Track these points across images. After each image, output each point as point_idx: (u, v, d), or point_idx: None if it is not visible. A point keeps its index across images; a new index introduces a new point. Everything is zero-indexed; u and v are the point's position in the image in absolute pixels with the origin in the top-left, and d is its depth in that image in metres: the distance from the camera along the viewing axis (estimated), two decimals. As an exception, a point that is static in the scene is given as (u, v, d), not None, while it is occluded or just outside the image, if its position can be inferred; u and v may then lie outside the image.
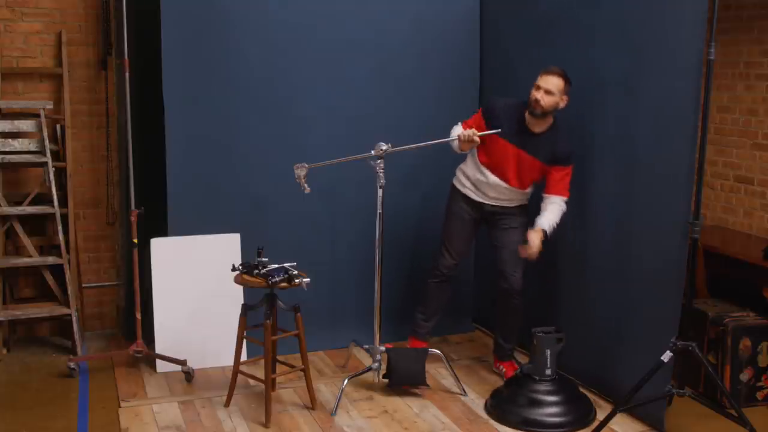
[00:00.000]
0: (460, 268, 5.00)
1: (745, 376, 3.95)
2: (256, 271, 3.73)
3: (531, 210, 4.14)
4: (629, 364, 3.77)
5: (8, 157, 4.41)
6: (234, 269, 3.81)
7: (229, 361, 3.95)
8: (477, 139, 3.86)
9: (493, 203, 4.14)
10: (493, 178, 4.04)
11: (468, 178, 4.15)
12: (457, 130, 4.02)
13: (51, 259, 4.56)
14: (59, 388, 4.15)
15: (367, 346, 4.18)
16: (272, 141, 4.44)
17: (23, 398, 4.01)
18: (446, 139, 4.07)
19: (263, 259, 3.78)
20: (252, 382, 4.11)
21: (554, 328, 3.84)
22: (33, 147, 4.49)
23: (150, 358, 4.34)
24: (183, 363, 4.23)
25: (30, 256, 4.56)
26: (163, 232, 4.31)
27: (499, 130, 3.89)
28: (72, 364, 4.27)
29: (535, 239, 3.83)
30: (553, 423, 3.69)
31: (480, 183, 4.11)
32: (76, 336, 4.52)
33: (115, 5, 4.58)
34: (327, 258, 4.64)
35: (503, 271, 4.13)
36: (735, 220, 4.82)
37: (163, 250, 4.31)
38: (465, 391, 4.11)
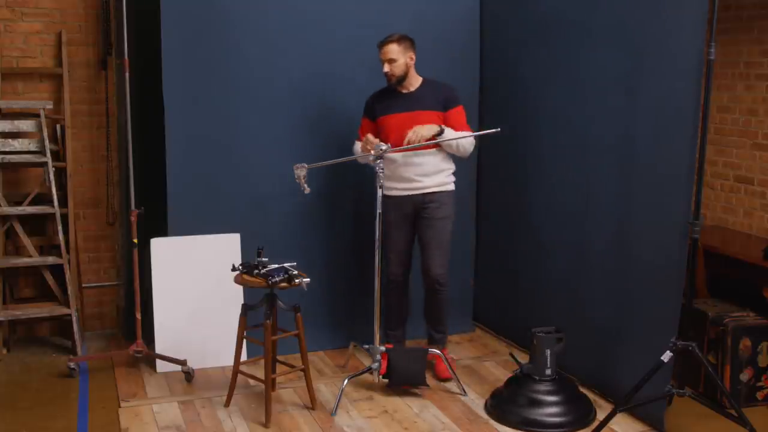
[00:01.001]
0: (461, 268, 5.03)
1: (745, 376, 3.95)
2: (256, 271, 3.73)
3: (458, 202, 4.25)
4: (629, 364, 3.77)
5: (8, 157, 4.41)
6: (234, 269, 3.81)
7: (229, 361, 3.95)
8: (372, 139, 3.96)
9: (420, 187, 4.11)
10: (398, 156, 4.04)
11: (388, 178, 4.10)
12: (359, 146, 4.16)
13: (51, 259, 4.56)
14: (59, 388, 4.15)
15: (367, 346, 4.18)
16: (272, 141, 4.44)
17: (23, 398, 4.01)
18: (446, 139, 4.06)
19: (263, 259, 3.78)
20: (252, 382, 4.11)
21: (554, 328, 3.84)
22: (33, 147, 4.49)
23: (150, 358, 4.34)
24: (183, 363, 4.23)
25: (30, 256, 4.56)
26: (163, 232, 4.31)
27: (498, 129, 3.91)
28: (72, 364, 4.27)
29: (425, 126, 3.92)
30: (553, 423, 3.69)
31: (399, 170, 4.09)
32: (76, 336, 4.52)
33: (115, 5, 4.58)
34: (327, 258, 4.64)
35: (430, 267, 4.15)
36: (735, 220, 4.82)
37: (163, 250, 4.31)
38: (465, 391, 4.11)
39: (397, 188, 4.16)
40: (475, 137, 4.15)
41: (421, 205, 4.15)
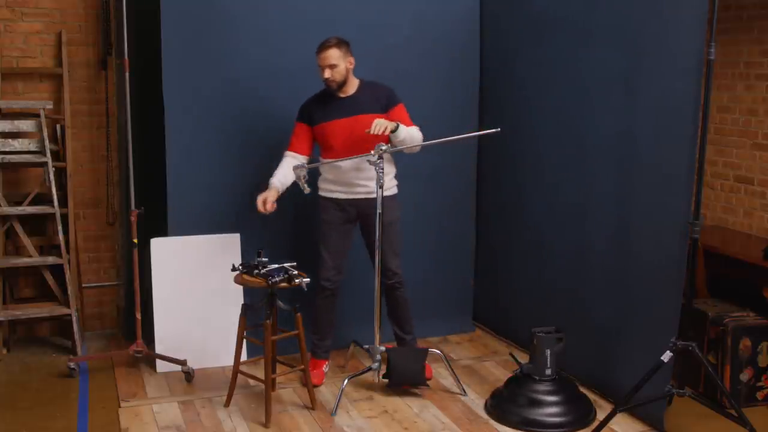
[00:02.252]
0: (461, 268, 5.03)
1: (745, 376, 3.95)
2: (256, 271, 3.73)
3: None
4: (629, 364, 3.77)
5: (8, 157, 4.41)
6: (234, 269, 3.82)
7: (229, 361, 3.95)
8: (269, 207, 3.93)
9: (365, 192, 4.06)
10: (346, 163, 4.00)
11: (332, 181, 4.08)
12: (279, 172, 4.04)
13: (51, 259, 4.56)
14: (59, 388, 4.15)
15: (367, 346, 4.18)
16: (272, 141, 4.44)
17: (23, 398, 4.01)
18: (447, 139, 4.06)
19: (263, 259, 3.78)
20: (252, 382, 4.11)
21: (554, 328, 3.84)
22: (33, 147, 4.49)
23: (150, 358, 4.34)
24: (183, 363, 4.23)
25: (30, 256, 4.56)
26: (163, 232, 4.31)
27: (498, 129, 3.91)
28: (72, 364, 4.27)
29: (383, 120, 3.85)
30: (553, 423, 3.69)
31: (343, 176, 4.05)
32: (76, 336, 4.52)
33: (115, 5, 4.58)
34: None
35: (386, 268, 4.09)
36: (735, 220, 4.82)
37: (163, 250, 4.31)
38: (465, 391, 4.11)
39: (340, 191, 4.10)
40: (475, 137, 4.16)
41: (366, 210, 4.08)
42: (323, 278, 4.13)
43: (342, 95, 4.03)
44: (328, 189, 4.11)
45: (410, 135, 3.96)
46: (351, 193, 4.10)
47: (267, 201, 3.93)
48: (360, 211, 4.13)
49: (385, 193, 3.99)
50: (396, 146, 3.94)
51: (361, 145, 3.95)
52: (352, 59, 3.99)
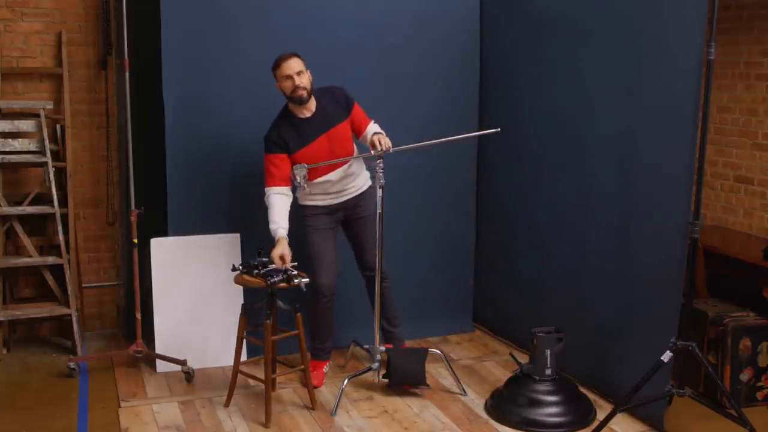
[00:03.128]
0: (461, 268, 5.03)
1: (745, 376, 3.95)
2: (256, 271, 3.73)
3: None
4: (629, 364, 3.77)
5: (8, 157, 4.41)
6: (234, 269, 3.82)
7: (229, 361, 3.95)
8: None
9: (352, 191, 4.09)
10: (335, 175, 3.99)
11: (316, 194, 4.04)
12: (276, 214, 3.85)
13: (51, 259, 4.56)
14: (59, 388, 4.15)
15: (367, 346, 4.18)
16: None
17: (23, 398, 4.01)
18: (447, 139, 4.07)
19: (263, 259, 3.78)
20: (252, 382, 4.11)
21: (554, 328, 3.84)
22: (33, 147, 4.49)
23: (150, 358, 4.34)
24: (183, 363, 4.23)
25: (30, 256, 4.56)
26: (163, 232, 4.31)
27: (498, 129, 3.91)
28: (72, 364, 4.27)
29: (379, 137, 3.84)
30: (553, 423, 3.69)
31: (332, 188, 4.03)
32: (76, 336, 4.52)
33: (115, 5, 4.58)
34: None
35: (368, 261, 4.10)
36: (735, 220, 4.82)
37: (163, 250, 4.31)
38: (465, 391, 4.11)
39: (329, 198, 4.08)
40: (475, 137, 4.16)
41: (353, 207, 4.11)
42: (319, 286, 4.03)
43: (307, 115, 3.92)
44: (311, 199, 4.07)
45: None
46: (341, 196, 4.10)
47: (285, 257, 3.73)
48: (347, 209, 4.14)
49: (366, 186, 4.07)
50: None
51: (340, 154, 3.97)
52: (309, 73, 3.89)
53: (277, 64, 3.84)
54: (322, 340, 4.24)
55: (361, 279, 4.29)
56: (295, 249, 4.36)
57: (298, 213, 4.19)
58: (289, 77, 3.81)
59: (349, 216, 4.15)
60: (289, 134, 3.89)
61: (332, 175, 3.99)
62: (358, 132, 4.05)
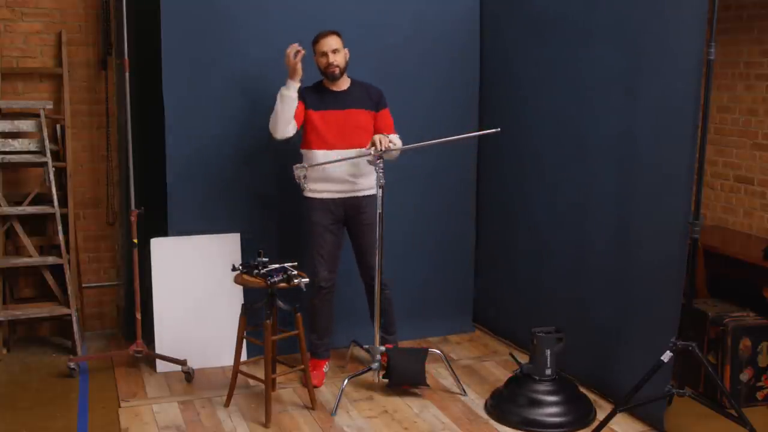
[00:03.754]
0: (461, 268, 5.03)
1: (745, 376, 3.95)
2: (256, 271, 3.73)
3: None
4: (629, 364, 3.77)
5: (8, 157, 4.41)
6: (234, 269, 3.82)
7: (229, 361, 3.95)
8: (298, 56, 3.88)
9: (354, 189, 4.10)
10: (337, 154, 4.01)
11: (320, 179, 4.06)
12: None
13: (51, 259, 4.56)
14: (59, 388, 4.15)
15: (367, 346, 4.18)
16: (272, 141, 4.43)
17: (23, 398, 4.01)
18: (447, 139, 4.07)
19: (263, 259, 3.78)
20: (252, 382, 4.11)
21: (554, 328, 3.84)
22: (33, 147, 4.49)
23: (150, 358, 4.34)
24: (183, 363, 4.23)
25: (30, 256, 4.56)
26: (163, 232, 4.31)
27: (498, 129, 3.92)
28: (72, 364, 4.27)
29: (380, 136, 3.89)
30: (553, 423, 3.69)
31: (331, 171, 4.04)
32: (76, 336, 4.52)
33: (115, 5, 4.58)
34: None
35: (371, 268, 4.11)
36: (735, 220, 4.82)
37: (163, 250, 4.31)
38: (465, 391, 4.11)
39: (329, 190, 4.09)
40: (475, 137, 4.16)
41: (356, 209, 4.12)
42: (318, 279, 4.10)
43: (336, 89, 4.07)
44: (315, 189, 4.10)
45: (396, 148, 4.02)
46: (338, 192, 4.10)
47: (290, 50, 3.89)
48: (346, 210, 4.14)
49: (371, 192, 4.06)
50: (391, 153, 3.98)
51: (351, 138, 4.01)
52: (346, 49, 4.04)
53: (316, 40, 4.01)
54: (320, 335, 4.25)
55: (360, 279, 4.29)
56: (295, 246, 4.39)
57: (301, 208, 4.20)
58: (325, 54, 3.98)
59: (354, 221, 4.15)
60: (312, 95, 4.07)
61: (335, 154, 4.00)
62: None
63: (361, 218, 4.14)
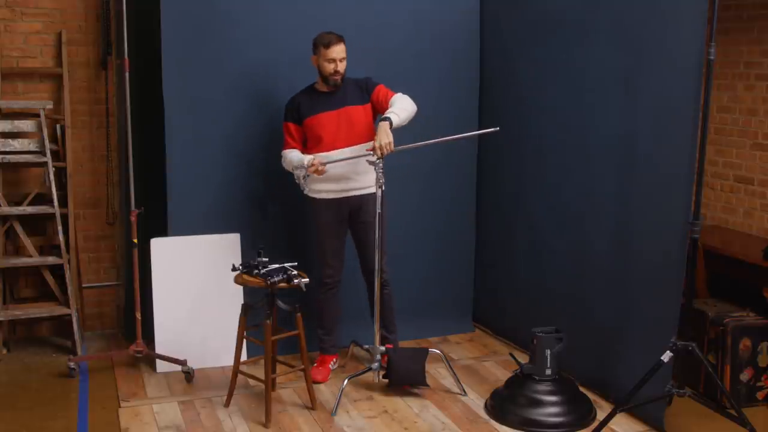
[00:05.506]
0: (461, 268, 5.03)
1: (745, 376, 3.95)
2: (256, 271, 3.73)
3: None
4: (629, 364, 3.77)
5: (8, 157, 4.42)
6: (234, 269, 3.82)
7: (229, 361, 3.95)
8: (322, 168, 3.90)
9: (356, 187, 4.10)
10: (336, 153, 4.01)
11: (319, 181, 4.05)
12: (296, 156, 4.03)
13: (51, 259, 4.56)
14: (59, 388, 4.15)
15: (367, 346, 4.18)
16: (272, 141, 4.44)
17: (23, 398, 4.01)
18: (447, 138, 4.07)
19: (263, 259, 3.78)
20: (252, 382, 4.11)
21: (554, 328, 3.84)
22: (33, 147, 4.49)
23: (150, 358, 4.34)
24: (183, 363, 4.23)
25: (30, 256, 4.56)
26: (163, 232, 4.31)
27: (497, 128, 3.91)
28: (72, 364, 4.27)
29: (381, 132, 3.83)
30: (553, 423, 3.69)
31: (334, 168, 4.02)
32: (76, 336, 4.52)
33: (115, 5, 4.58)
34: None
35: (371, 268, 4.09)
36: (735, 220, 4.82)
37: (163, 250, 4.31)
38: (465, 391, 4.10)
39: (332, 190, 4.10)
40: (475, 137, 4.15)
41: (357, 208, 4.14)
42: (324, 275, 4.17)
43: (327, 90, 4.07)
44: (318, 190, 4.10)
45: (404, 112, 3.97)
46: (341, 191, 4.10)
47: (316, 161, 3.90)
48: (351, 210, 4.15)
49: (371, 190, 4.05)
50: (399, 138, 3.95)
51: (348, 135, 4.02)
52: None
53: (327, 44, 3.96)
54: (326, 330, 4.29)
55: (361, 280, 4.29)
56: (295, 246, 4.39)
57: (301, 208, 4.20)
58: (333, 60, 3.98)
59: (354, 218, 4.17)
60: (304, 100, 4.08)
61: (336, 154, 4.00)
62: (381, 109, 4.06)
63: (361, 216, 4.15)
